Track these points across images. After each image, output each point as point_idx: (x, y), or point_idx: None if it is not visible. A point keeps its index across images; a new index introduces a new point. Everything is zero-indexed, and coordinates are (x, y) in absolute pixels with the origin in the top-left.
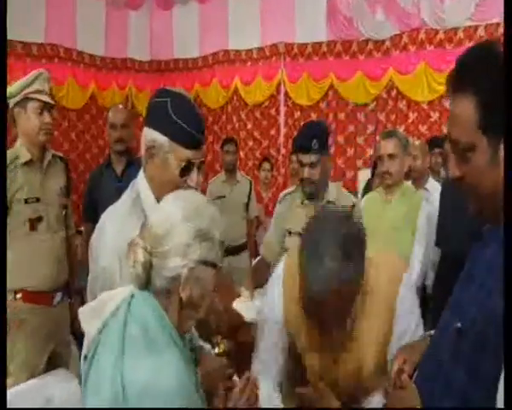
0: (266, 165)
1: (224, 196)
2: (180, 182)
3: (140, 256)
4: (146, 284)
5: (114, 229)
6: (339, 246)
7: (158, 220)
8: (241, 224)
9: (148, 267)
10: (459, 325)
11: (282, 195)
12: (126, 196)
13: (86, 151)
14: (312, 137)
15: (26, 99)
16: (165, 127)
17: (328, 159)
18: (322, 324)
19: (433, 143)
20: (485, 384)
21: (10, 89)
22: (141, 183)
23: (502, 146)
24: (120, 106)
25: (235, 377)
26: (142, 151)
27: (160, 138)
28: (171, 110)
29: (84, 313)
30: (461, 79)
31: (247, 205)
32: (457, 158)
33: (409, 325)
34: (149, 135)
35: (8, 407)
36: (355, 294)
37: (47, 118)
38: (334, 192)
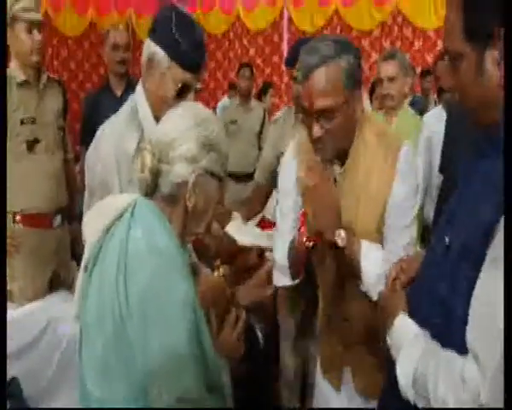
0: (271, 91)
1: (237, 122)
2: (174, 103)
3: (148, 160)
4: (152, 190)
5: (112, 141)
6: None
7: (167, 127)
8: (252, 151)
9: (156, 172)
10: (447, 239)
11: (274, 117)
12: (124, 109)
13: (86, 80)
14: None
15: (15, 19)
16: (166, 43)
17: None
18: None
19: (426, 72)
20: (464, 294)
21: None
22: (139, 95)
23: (487, 55)
24: (121, 26)
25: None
26: (143, 63)
27: (160, 53)
28: (175, 28)
29: (86, 219)
30: None
31: (260, 133)
32: (450, 68)
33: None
34: (150, 47)
35: (12, 328)
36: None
37: (37, 36)
38: None
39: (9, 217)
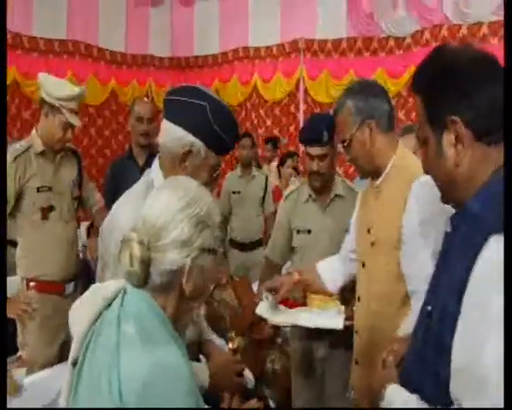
0: (289, 161)
1: (240, 192)
2: (208, 186)
3: (136, 251)
4: (144, 282)
5: (127, 216)
6: None
7: (155, 212)
8: (257, 219)
9: (147, 263)
10: (429, 308)
11: (286, 193)
12: (139, 184)
13: (105, 147)
14: (322, 128)
15: (56, 109)
16: (204, 134)
17: (335, 151)
18: None
19: None
20: (446, 356)
21: (51, 91)
22: (156, 174)
23: (444, 139)
24: (145, 99)
25: (248, 373)
26: (174, 150)
27: (198, 143)
28: (212, 118)
29: (74, 307)
30: (415, 81)
31: (263, 200)
32: (422, 152)
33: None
34: (185, 138)
35: (24, 396)
36: None
37: (69, 135)
38: (341, 186)
39: (23, 283)
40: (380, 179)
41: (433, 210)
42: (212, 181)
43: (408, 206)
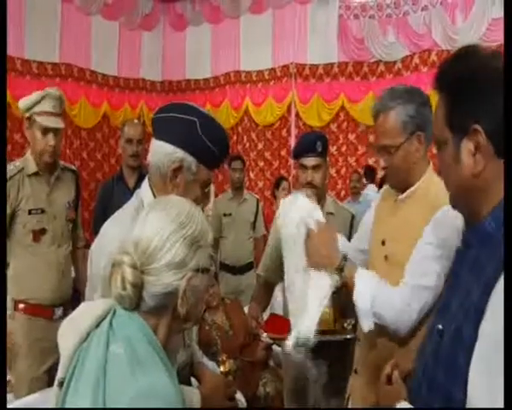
0: (285, 184)
1: (231, 214)
2: (201, 202)
3: (128, 274)
4: (136, 305)
5: (115, 236)
6: None
7: (147, 235)
8: (248, 242)
9: (140, 286)
10: (440, 326)
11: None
12: (129, 204)
13: (97, 170)
14: (316, 140)
15: (33, 120)
16: (195, 148)
17: (327, 165)
18: None
19: None
20: (460, 378)
21: (20, 104)
22: (146, 194)
23: (463, 145)
24: (136, 121)
25: (240, 396)
26: (164, 167)
27: (188, 158)
28: (202, 132)
29: (62, 329)
30: (438, 81)
31: (254, 223)
32: (438, 154)
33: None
34: (175, 153)
35: None
36: None
37: (51, 140)
38: (332, 205)
39: (12, 305)
40: (404, 195)
41: (446, 244)
42: (203, 197)
43: (424, 233)
